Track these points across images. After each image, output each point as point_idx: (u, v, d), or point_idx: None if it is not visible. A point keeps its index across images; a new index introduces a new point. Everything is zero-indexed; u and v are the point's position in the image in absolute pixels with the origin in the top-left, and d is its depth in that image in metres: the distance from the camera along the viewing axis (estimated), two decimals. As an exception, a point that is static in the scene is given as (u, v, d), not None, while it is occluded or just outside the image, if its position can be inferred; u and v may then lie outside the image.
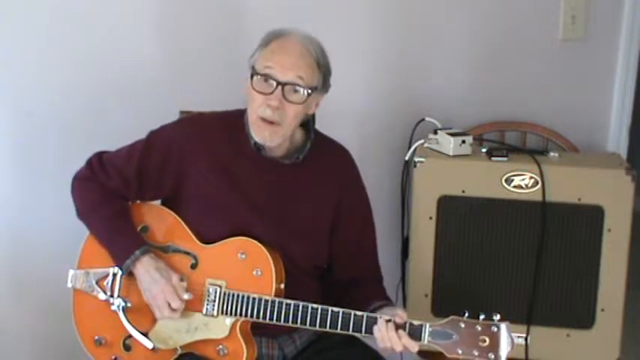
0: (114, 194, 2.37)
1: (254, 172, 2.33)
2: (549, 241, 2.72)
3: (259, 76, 2.23)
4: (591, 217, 2.71)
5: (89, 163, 2.42)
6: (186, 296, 2.25)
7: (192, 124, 2.42)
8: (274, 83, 2.22)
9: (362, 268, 2.46)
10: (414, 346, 2.12)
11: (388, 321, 2.13)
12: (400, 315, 2.14)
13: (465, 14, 3.15)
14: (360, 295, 2.34)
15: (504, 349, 2.07)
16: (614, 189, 2.69)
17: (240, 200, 2.31)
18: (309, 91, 2.25)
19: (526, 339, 2.72)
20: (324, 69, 2.30)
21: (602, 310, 2.74)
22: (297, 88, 2.23)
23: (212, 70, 2.96)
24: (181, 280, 2.27)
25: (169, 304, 2.24)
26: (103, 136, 2.82)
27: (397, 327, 2.12)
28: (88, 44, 2.88)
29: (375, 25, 3.10)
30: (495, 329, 2.07)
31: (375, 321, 2.15)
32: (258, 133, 2.27)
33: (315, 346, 2.42)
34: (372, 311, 2.21)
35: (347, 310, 2.17)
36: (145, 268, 2.27)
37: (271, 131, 2.25)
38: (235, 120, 2.35)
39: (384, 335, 2.13)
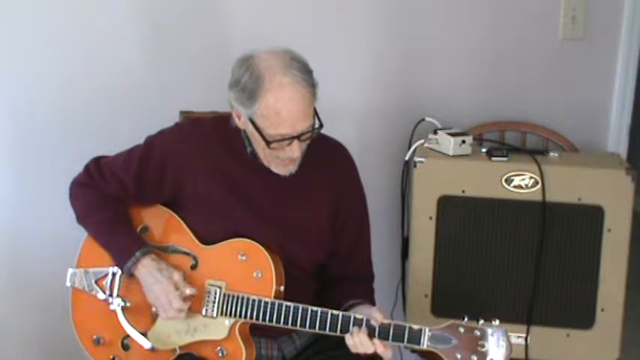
0: (112, 199, 2.36)
1: (252, 176, 2.32)
2: (549, 241, 2.72)
3: (276, 142, 2.18)
4: (591, 217, 2.70)
5: (87, 169, 2.41)
6: (188, 291, 2.25)
7: (189, 129, 2.40)
8: (289, 139, 2.18)
9: (353, 267, 2.45)
10: (388, 354, 2.14)
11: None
12: (375, 317, 2.14)
13: (465, 15, 3.14)
14: (340, 292, 2.34)
15: (503, 355, 2.06)
16: (614, 189, 2.69)
17: (240, 204, 2.31)
18: (318, 125, 2.24)
19: (526, 339, 2.73)
20: (313, 83, 2.22)
21: (602, 310, 2.73)
22: (310, 132, 2.22)
23: (212, 71, 2.94)
24: (184, 278, 2.27)
25: (172, 304, 2.24)
26: (103, 136, 2.83)
27: (379, 329, 2.13)
28: (87, 45, 2.88)
29: (375, 25, 3.10)
30: (495, 334, 2.07)
31: (373, 327, 2.15)
32: (279, 169, 2.27)
33: (314, 347, 2.42)
34: (345, 309, 2.22)
35: (347, 314, 2.17)
36: (147, 269, 2.27)
37: (294, 165, 2.27)
38: (231, 125, 2.33)
39: (355, 341, 2.14)
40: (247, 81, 2.16)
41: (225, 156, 2.33)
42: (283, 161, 2.25)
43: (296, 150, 2.20)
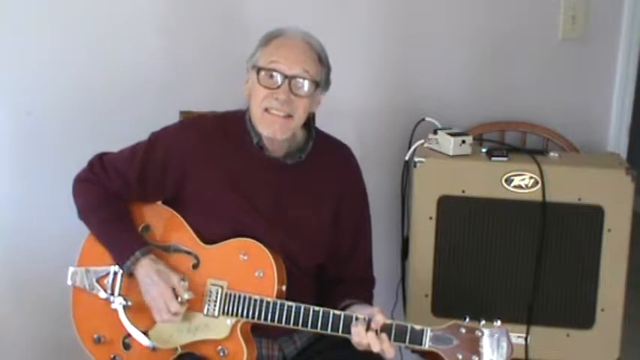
0: (115, 196, 2.36)
1: (256, 173, 2.32)
2: (549, 241, 2.72)
3: (265, 72, 2.23)
4: (591, 217, 2.71)
5: (90, 164, 2.41)
6: (186, 295, 2.24)
7: (193, 125, 2.40)
8: (281, 77, 2.22)
9: (353, 268, 2.45)
10: (390, 352, 2.13)
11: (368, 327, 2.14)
12: (377, 321, 2.13)
13: (465, 14, 3.15)
14: (338, 294, 2.34)
15: (504, 356, 2.07)
16: (614, 189, 2.69)
17: (243, 201, 2.31)
18: (316, 84, 2.26)
19: (526, 339, 2.73)
20: (326, 64, 2.31)
21: (602, 310, 2.74)
22: (304, 81, 2.24)
23: (212, 71, 2.96)
24: (182, 280, 2.26)
25: (168, 308, 2.24)
26: (103, 136, 2.82)
27: (381, 329, 2.13)
28: (88, 44, 2.88)
29: (375, 25, 3.10)
30: (496, 335, 2.07)
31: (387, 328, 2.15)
32: (268, 127, 2.26)
33: (315, 347, 2.42)
34: (342, 309, 2.21)
35: (348, 314, 2.17)
36: (145, 270, 2.27)
37: (282, 124, 2.25)
38: (236, 121, 2.35)
39: (362, 335, 2.13)
40: (269, 32, 2.29)
41: (229, 154, 2.33)
42: (273, 117, 2.24)
43: (282, 94, 2.22)
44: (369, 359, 2.22)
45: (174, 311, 2.23)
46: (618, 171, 2.70)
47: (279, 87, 2.22)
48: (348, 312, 2.18)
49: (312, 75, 2.25)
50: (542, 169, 2.70)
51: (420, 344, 2.11)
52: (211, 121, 2.41)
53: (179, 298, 2.24)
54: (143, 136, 2.40)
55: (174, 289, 2.25)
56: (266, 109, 2.25)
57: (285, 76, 2.22)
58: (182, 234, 2.33)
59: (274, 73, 2.23)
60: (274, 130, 2.25)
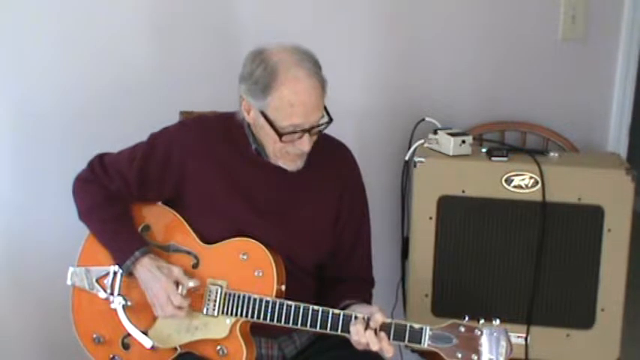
0: (115, 196, 2.36)
1: (256, 174, 2.33)
2: (549, 241, 2.72)
3: (288, 135, 2.20)
4: (591, 217, 2.71)
5: (90, 165, 2.42)
6: (192, 283, 2.25)
7: (193, 125, 2.40)
8: (302, 131, 2.20)
9: (352, 268, 2.45)
10: (389, 350, 2.13)
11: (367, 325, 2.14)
12: (376, 319, 2.13)
13: (465, 14, 3.15)
14: (337, 294, 2.34)
15: (503, 355, 2.07)
16: (614, 189, 2.69)
17: (242, 202, 2.31)
18: (327, 119, 2.25)
19: (526, 339, 2.72)
20: (323, 78, 2.25)
21: (602, 310, 2.74)
22: (321, 120, 2.23)
23: (212, 71, 2.95)
24: (184, 272, 2.27)
25: (172, 301, 2.23)
26: (103, 136, 2.82)
27: (380, 328, 2.13)
28: (88, 46, 2.88)
29: (375, 25, 3.10)
30: (495, 334, 2.07)
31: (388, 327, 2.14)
32: (290, 165, 2.28)
33: (314, 347, 2.42)
34: (341, 309, 2.21)
35: (347, 313, 2.17)
36: (146, 268, 2.27)
37: (302, 161, 2.28)
38: (235, 123, 2.34)
39: (360, 333, 2.13)
40: (261, 74, 2.18)
41: (229, 153, 2.33)
42: (292, 156, 2.26)
43: (306, 143, 2.21)
44: (369, 359, 2.22)
45: (177, 304, 2.23)
46: (618, 171, 2.70)
47: (300, 138, 2.21)
48: (347, 311, 2.18)
49: (323, 111, 2.23)
50: (542, 169, 2.70)
51: (419, 343, 2.10)
52: (211, 121, 2.41)
53: (180, 289, 2.24)
54: (143, 136, 2.40)
55: (176, 283, 2.25)
56: (287, 152, 2.26)
57: (305, 130, 2.20)
58: (182, 234, 2.34)
59: (296, 132, 2.20)
60: (297, 166, 2.29)
